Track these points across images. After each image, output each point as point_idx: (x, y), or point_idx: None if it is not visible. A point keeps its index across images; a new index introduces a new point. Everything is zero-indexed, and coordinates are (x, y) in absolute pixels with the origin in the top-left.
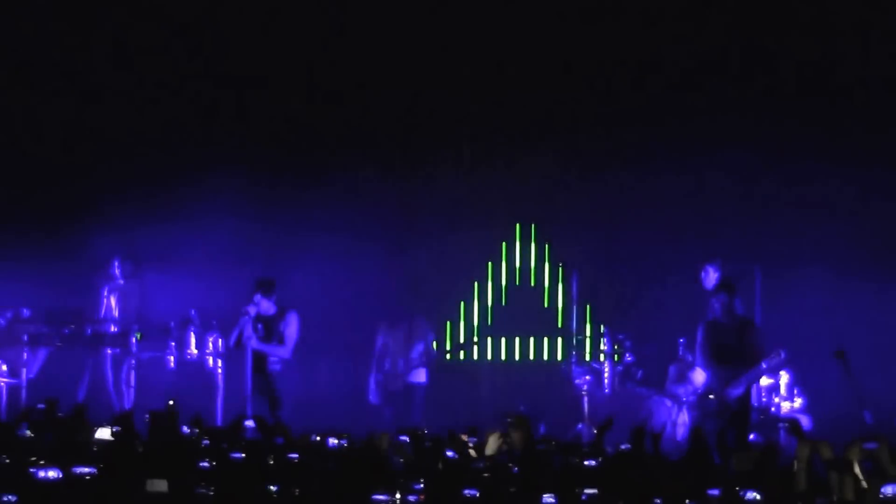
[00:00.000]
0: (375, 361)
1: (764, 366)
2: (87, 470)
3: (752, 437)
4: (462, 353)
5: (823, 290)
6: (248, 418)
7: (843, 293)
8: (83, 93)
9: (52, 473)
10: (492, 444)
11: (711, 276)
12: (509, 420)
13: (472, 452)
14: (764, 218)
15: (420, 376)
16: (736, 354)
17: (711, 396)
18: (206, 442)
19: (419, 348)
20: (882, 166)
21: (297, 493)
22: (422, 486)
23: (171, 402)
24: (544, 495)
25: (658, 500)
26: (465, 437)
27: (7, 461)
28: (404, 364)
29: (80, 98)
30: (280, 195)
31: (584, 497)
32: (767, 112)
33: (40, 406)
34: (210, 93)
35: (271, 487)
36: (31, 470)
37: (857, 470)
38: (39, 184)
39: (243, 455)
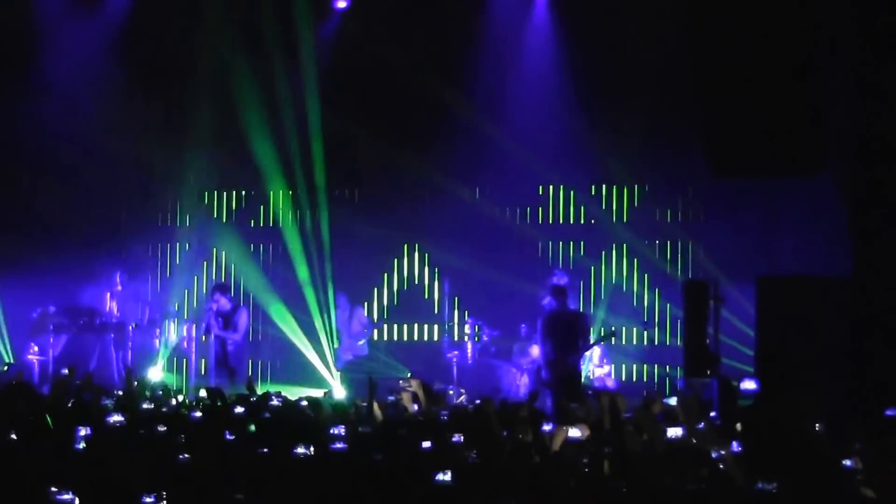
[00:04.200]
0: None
1: (592, 342)
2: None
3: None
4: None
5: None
6: (210, 387)
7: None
8: None
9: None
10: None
11: (556, 280)
12: (412, 381)
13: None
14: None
15: (364, 350)
16: (569, 335)
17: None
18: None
19: (359, 329)
20: None
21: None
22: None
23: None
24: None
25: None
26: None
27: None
28: (349, 341)
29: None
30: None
31: (454, 439)
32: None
33: (63, 371)
34: None
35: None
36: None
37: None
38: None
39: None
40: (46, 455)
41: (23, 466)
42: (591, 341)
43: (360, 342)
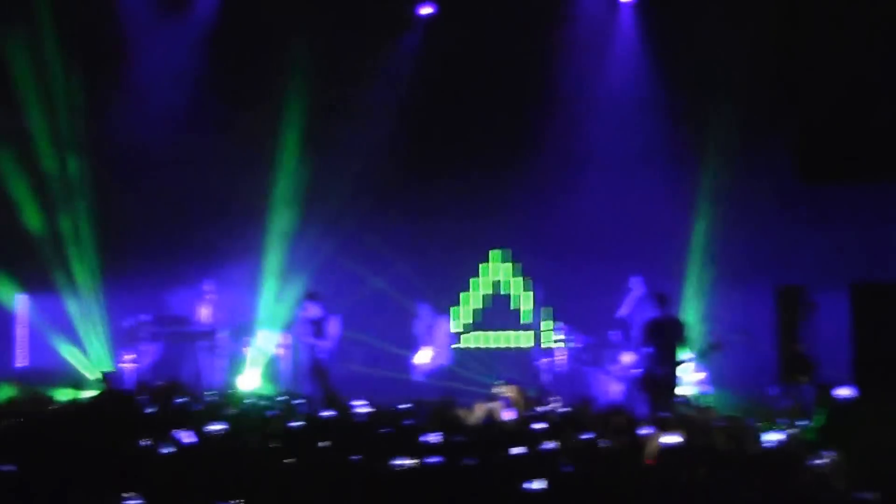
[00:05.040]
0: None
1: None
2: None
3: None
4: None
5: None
6: (302, 395)
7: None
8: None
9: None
10: (478, 412)
11: (637, 287)
12: (509, 387)
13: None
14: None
15: (447, 359)
16: (671, 342)
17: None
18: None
19: (444, 340)
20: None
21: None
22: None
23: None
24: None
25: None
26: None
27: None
28: (429, 350)
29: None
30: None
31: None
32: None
33: (159, 383)
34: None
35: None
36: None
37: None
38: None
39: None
40: (129, 461)
41: (101, 471)
42: (694, 352)
43: (444, 352)
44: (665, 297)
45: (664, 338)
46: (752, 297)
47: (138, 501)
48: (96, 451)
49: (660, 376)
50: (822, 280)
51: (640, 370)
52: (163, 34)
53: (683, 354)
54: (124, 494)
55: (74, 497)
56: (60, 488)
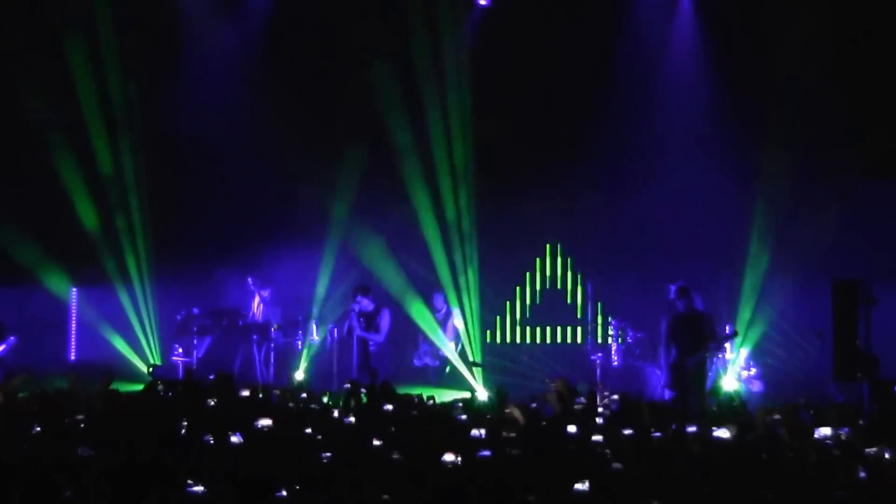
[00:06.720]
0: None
1: (712, 346)
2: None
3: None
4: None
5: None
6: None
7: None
8: None
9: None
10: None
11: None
12: (557, 381)
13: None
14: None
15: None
16: (694, 337)
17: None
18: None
19: (453, 335)
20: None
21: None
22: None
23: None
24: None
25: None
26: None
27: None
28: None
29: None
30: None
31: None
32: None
33: (210, 377)
34: None
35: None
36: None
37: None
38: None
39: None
40: (189, 452)
41: (166, 461)
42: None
43: (445, 348)
44: (685, 290)
45: (687, 332)
46: (808, 291)
47: (200, 489)
48: (150, 440)
49: (678, 371)
50: (883, 275)
51: (665, 366)
52: (218, 28)
53: (712, 347)
54: (189, 482)
55: (134, 485)
56: (118, 476)
